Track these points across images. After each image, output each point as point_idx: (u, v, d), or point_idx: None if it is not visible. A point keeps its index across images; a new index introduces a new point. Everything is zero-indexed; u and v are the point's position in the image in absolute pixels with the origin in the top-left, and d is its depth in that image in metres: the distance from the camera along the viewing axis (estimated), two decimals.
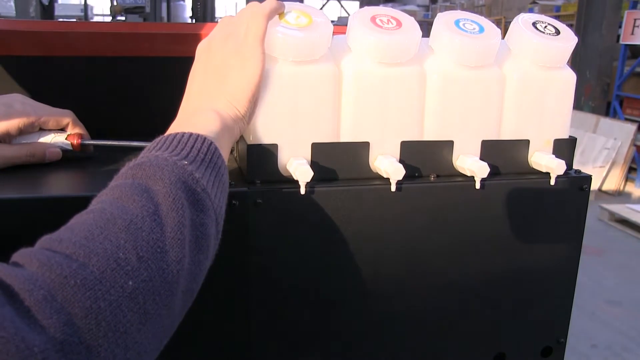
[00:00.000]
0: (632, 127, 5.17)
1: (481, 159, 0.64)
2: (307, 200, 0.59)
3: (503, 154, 0.67)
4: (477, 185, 0.63)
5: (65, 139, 0.68)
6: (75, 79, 0.83)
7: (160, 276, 0.38)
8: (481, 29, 0.63)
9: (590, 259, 3.50)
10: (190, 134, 0.47)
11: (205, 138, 0.48)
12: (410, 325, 0.67)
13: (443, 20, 0.64)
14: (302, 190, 0.59)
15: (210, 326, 0.61)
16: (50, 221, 0.40)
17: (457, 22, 0.63)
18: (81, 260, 0.35)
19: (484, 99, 0.64)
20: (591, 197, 0.77)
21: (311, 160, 0.61)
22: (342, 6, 16.21)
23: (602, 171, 5.09)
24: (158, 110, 0.63)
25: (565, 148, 0.69)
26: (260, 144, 0.59)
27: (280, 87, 0.58)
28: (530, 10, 7.54)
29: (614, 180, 5.10)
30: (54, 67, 0.82)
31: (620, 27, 5.76)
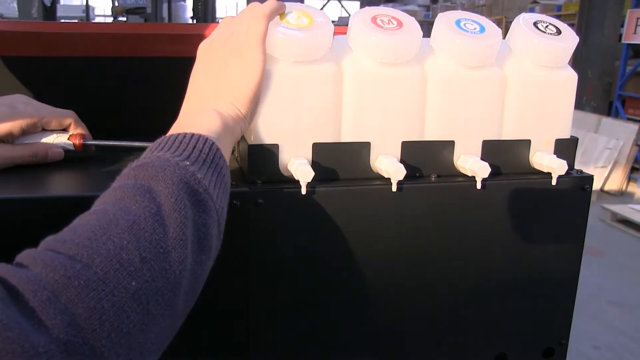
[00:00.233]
0: (635, 127, 5.17)
1: (482, 159, 0.64)
2: (308, 200, 0.59)
3: (504, 154, 0.67)
4: (478, 186, 0.63)
5: (68, 139, 0.68)
6: (77, 80, 0.83)
7: (163, 277, 0.39)
8: (482, 29, 0.64)
9: (592, 260, 3.50)
10: (192, 135, 0.47)
11: (206, 138, 0.48)
12: (411, 326, 0.67)
13: (444, 20, 0.64)
14: (303, 191, 0.59)
15: (210, 326, 0.61)
16: (53, 221, 0.40)
17: (458, 22, 0.64)
18: (84, 261, 0.36)
19: (484, 99, 0.64)
20: (593, 197, 0.77)
21: (312, 161, 0.61)
22: (342, 6, 16.21)
23: (604, 171, 5.08)
24: (159, 111, 0.63)
25: (566, 148, 0.69)
26: (262, 144, 0.59)
27: (281, 88, 0.58)
28: (531, 10, 7.54)
29: (616, 181, 5.10)
30: (56, 68, 0.82)
31: (622, 26, 5.75)
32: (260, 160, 0.59)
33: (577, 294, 0.72)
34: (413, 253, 0.64)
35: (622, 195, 5.04)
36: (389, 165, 0.60)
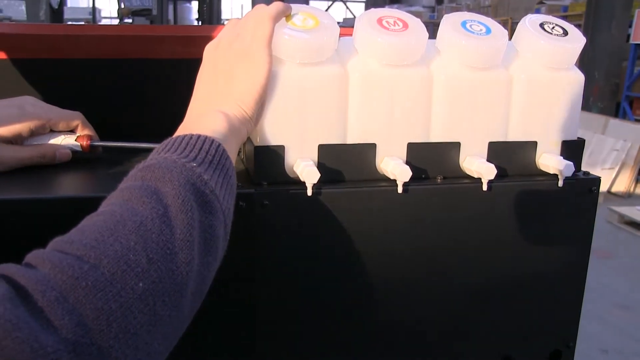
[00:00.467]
0: None
1: (488, 160, 0.64)
2: (314, 201, 0.60)
3: (510, 156, 0.67)
4: (484, 187, 0.63)
5: (75, 140, 0.68)
6: (84, 81, 0.83)
7: (169, 278, 0.39)
8: (488, 30, 0.63)
9: (600, 262, 3.48)
10: (199, 136, 0.48)
11: (213, 140, 0.48)
12: (416, 327, 0.67)
13: (450, 21, 0.64)
14: (309, 192, 0.59)
15: (216, 327, 0.61)
16: (61, 221, 0.41)
17: (463, 24, 0.64)
18: (92, 262, 0.36)
19: (491, 101, 0.64)
20: (600, 199, 0.77)
21: (318, 162, 0.61)
22: (347, 8, 16.22)
23: (612, 173, 5.06)
24: (166, 112, 0.63)
25: (573, 149, 0.68)
26: (268, 146, 0.59)
27: (287, 89, 0.58)
28: (537, 11, 7.52)
29: (623, 182, 5.07)
30: (63, 69, 0.82)
31: (630, 26, 5.73)
32: (266, 161, 0.60)
33: (584, 297, 0.72)
34: (419, 255, 0.64)
35: (629, 197, 5.01)
36: (394, 167, 0.60)
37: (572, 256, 0.69)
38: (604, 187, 4.97)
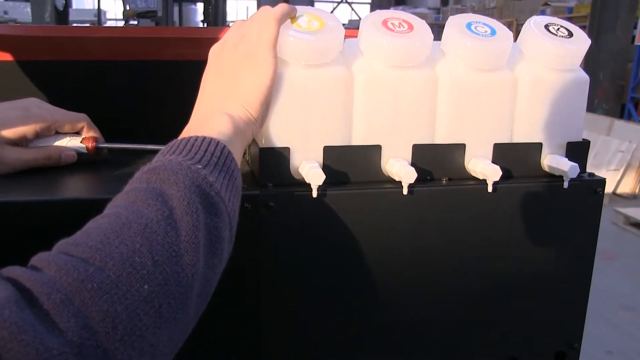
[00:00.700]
0: None
1: (493, 162, 0.64)
2: (319, 203, 0.60)
3: (515, 157, 0.66)
4: (489, 189, 0.63)
5: (80, 142, 0.68)
6: (89, 83, 0.83)
7: (175, 280, 0.39)
8: (493, 32, 0.63)
9: (605, 264, 3.46)
10: (204, 138, 0.48)
11: (218, 142, 0.48)
12: (422, 328, 0.67)
13: (455, 23, 0.64)
14: (314, 194, 0.59)
15: (221, 329, 0.61)
16: (66, 223, 0.41)
17: (468, 25, 0.64)
18: (97, 264, 0.36)
19: (496, 102, 0.64)
20: (605, 200, 0.76)
21: (323, 164, 0.61)
22: (352, 9, 16.23)
23: (617, 174, 5.04)
24: (171, 114, 0.63)
25: (578, 151, 0.68)
26: (273, 147, 0.59)
27: (292, 91, 0.58)
28: (542, 12, 7.51)
29: (628, 184, 5.05)
30: (68, 71, 0.82)
31: (635, 27, 5.71)
32: (272, 163, 0.60)
33: (589, 298, 0.71)
34: (424, 256, 0.64)
35: (634, 199, 4.99)
36: (399, 169, 0.60)
37: (577, 257, 0.69)
38: (609, 189, 4.95)
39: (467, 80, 0.63)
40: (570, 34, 0.66)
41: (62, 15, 5.68)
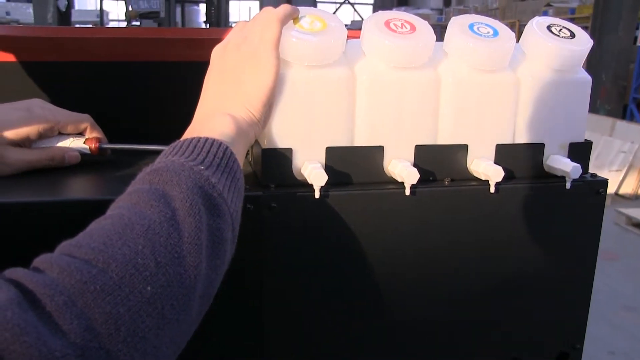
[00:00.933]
0: None
1: (496, 162, 0.64)
2: (322, 204, 0.60)
3: (518, 158, 0.66)
4: (492, 189, 0.63)
5: (84, 143, 0.68)
6: (91, 84, 0.84)
7: (177, 281, 0.39)
8: (495, 33, 0.63)
9: (607, 264, 3.46)
10: (206, 139, 0.48)
11: (220, 143, 0.48)
12: (425, 329, 0.67)
13: (457, 24, 0.64)
14: (317, 194, 0.59)
15: (224, 330, 0.61)
16: (69, 224, 0.41)
17: (471, 26, 0.63)
18: (100, 266, 0.36)
19: (498, 103, 0.64)
20: (607, 201, 0.76)
21: (325, 165, 0.61)
22: (355, 10, 16.23)
23: (619, 175, 5.03)
24: (174, 115, 0.63)
25: (580, 152, 0.68)
26: (275, 148, 0.59)
27: (294, 92, 0.58)
28: (545, 13, 7.50)
29: (631, 184, 5.04)
30: (71, 72, 0.83)
31: (637, 28, 5.71)
32: (274, 164, 0.60)
33: (591, 299, 0.71)
34: (426, 257, 0.64)
35: (637, 199, 4.98)
36: (402, 169, 0.60)
37: (579, 258, 0.69)
38: (611, 189, 4.94)
39: (469, 81, 0.63)
40: (573, 35, 0.66)
41: (64, 16, 5.69)
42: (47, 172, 0.65)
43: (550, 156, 0.67)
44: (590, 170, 0.70)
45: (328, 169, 0.60)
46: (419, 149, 0.63)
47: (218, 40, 0.59)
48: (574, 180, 0.66)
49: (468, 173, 0.65)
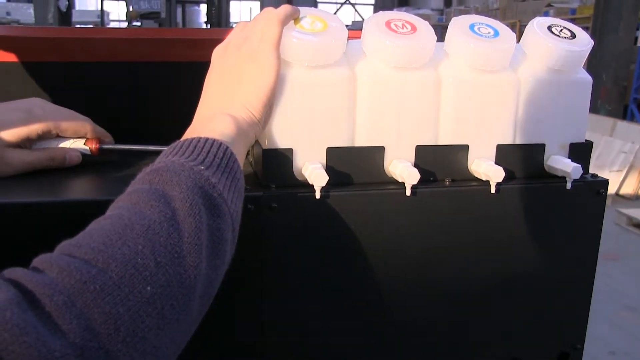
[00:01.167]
0: None
1: (496, 163, 0.64)
2: (322, 204, 0.60)
3: (518, 158, 0.66)
4: (493, 190, 0.63)
5: (84, 143, 0.68)
6: (92, 84, 0.84)
7: (177, 281, 0.39)
8: (496, 33, 0.63)
9: (608, 264, 3.46)
10: (207, 139, 0.48)
11: (221, 143, 0.48)
12: (425, 329, 0.67)
13: (458, 24, 0.64)
14: (317, 195, 0.59)
15: (224, 330, 0.61)
16: (70, 225, 0.41)
17: (471, 26, 0.63)
18: (100, 265, 0.36)
19: (499, 103, 0.64)
20: (608, 201, 0.76)
21: (326, 165, 0.61)
22: (356, 10, 16.24)
23: (619, 175, 5.03)
24: (174, 115, 0.63)
25: (581, 152, 0.68)
26: (276, 149, 0.59)
27: (295, 92, 0.58)
28: (545, 14, 7.50)
29: (631, 185, 5.04)
30: (71, 72, 0.83)
31: (638, 29, 5.71)
32: (275, 164, 0.60)
33: (592, 299, 0.71)
34: (427, 257, 0.64)
35: (637, 200, 4.98)
36: (403, 170, 0.60)
37: (580, 258, 0.69)
38: (611, 190, 4.94)
39: (470, 81, 0.63)
40: (573, 35, 0.66)
41: (65, 17, 5.70)
42: (48, 173, 0.65)
43: (550, 156, 0.67)
44: (591, 171, 0.70)
45: (329, 169, 0.60)
46: (420, 149, 0.63)
47: (219, 40, 0.59)
48: (574, 181, 0.65)
49: (469, 173, 0.65)
